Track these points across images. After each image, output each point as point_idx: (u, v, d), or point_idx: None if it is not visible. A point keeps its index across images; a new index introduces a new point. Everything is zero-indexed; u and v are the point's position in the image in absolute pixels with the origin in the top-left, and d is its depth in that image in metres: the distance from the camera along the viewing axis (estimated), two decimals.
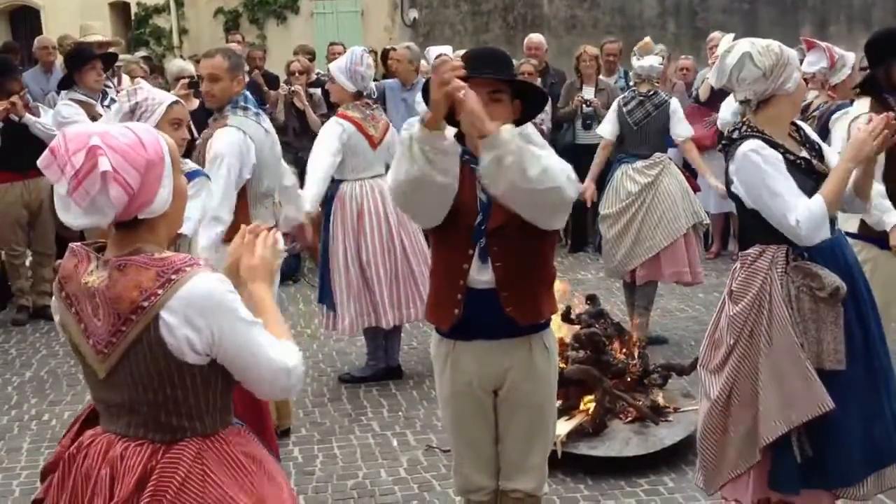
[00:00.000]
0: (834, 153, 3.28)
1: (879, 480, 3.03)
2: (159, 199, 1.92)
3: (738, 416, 2.99)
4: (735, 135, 3.02)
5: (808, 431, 2.92)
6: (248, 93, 4.36)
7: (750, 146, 2.94)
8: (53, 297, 2.06)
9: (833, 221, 3.09)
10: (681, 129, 5.76)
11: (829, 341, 2.91)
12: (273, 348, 1.96)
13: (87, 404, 2.20)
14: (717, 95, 7.16)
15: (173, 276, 1.88)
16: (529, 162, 2.45)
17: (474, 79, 2.50)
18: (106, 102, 6.16)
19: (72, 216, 1.90)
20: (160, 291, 1.87)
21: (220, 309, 1.90)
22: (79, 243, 2.03)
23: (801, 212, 2.88)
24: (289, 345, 2.00)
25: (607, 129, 5.88)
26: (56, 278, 2.03)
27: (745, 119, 3.07)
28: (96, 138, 1.86)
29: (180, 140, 3.28)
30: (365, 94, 5.14)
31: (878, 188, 3.49)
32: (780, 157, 2.92)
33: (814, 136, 3.18)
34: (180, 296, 1.87)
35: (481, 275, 2.69)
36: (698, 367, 3.20)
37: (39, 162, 1.93)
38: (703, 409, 3.11)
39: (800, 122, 3.20)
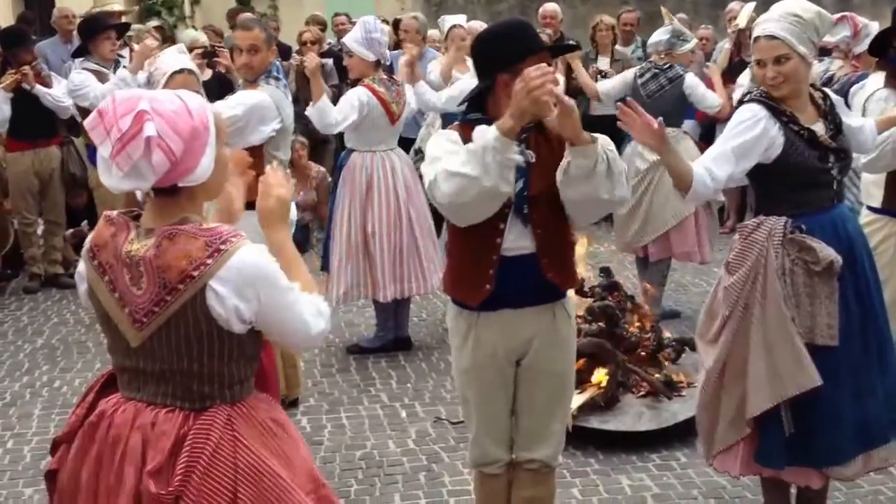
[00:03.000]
0: (860, 119, 3.22)
1: (868, 461, 2.98)
2: (201, 168, 1.93)
3: (731, 388, 2.96)
4: (746, 98, 3.02)
5: (796, 407, 2.87)
6: (278, 63, 4.35)
7: (748, 107, 2.93)
8: (81, 265, 2.06)
9: (840, 193, 3.03)
10: (709, 100, 5.68)
11: (822, 316, 2.86)
12: (306, 311, 1.99)
13: (99, 373, 2.19)
14: (736, 66, 7.06)
15: (222, 247, 1.90)
16: (616, 174, 2.56)
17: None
18: (118, 71, 6.12)
19: (113, 179, 1.91)
20: (209, 261, 1.89)
21: (267, 280, 1.93)
22: (115, 211, 2.04)
23: (705, 168, 2.89)
24: (319, 303, 2.04)
25: (606, 87, 5.89)
26: (87, 245, 2.03)
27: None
28: (145, 103, 1.88)
29: None
30: (383, 61, 5.09)
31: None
32: (761, 130, 2.87)
33: (841, 111, 3.08)
34: (230, 266, 1.89)
35: (519, 242, 2.68)
36: (696, 337, 3.18)
37: (86, 123, 1.94)
38: (701, 380, 3.10)
39: (830, 93, 3.12)
